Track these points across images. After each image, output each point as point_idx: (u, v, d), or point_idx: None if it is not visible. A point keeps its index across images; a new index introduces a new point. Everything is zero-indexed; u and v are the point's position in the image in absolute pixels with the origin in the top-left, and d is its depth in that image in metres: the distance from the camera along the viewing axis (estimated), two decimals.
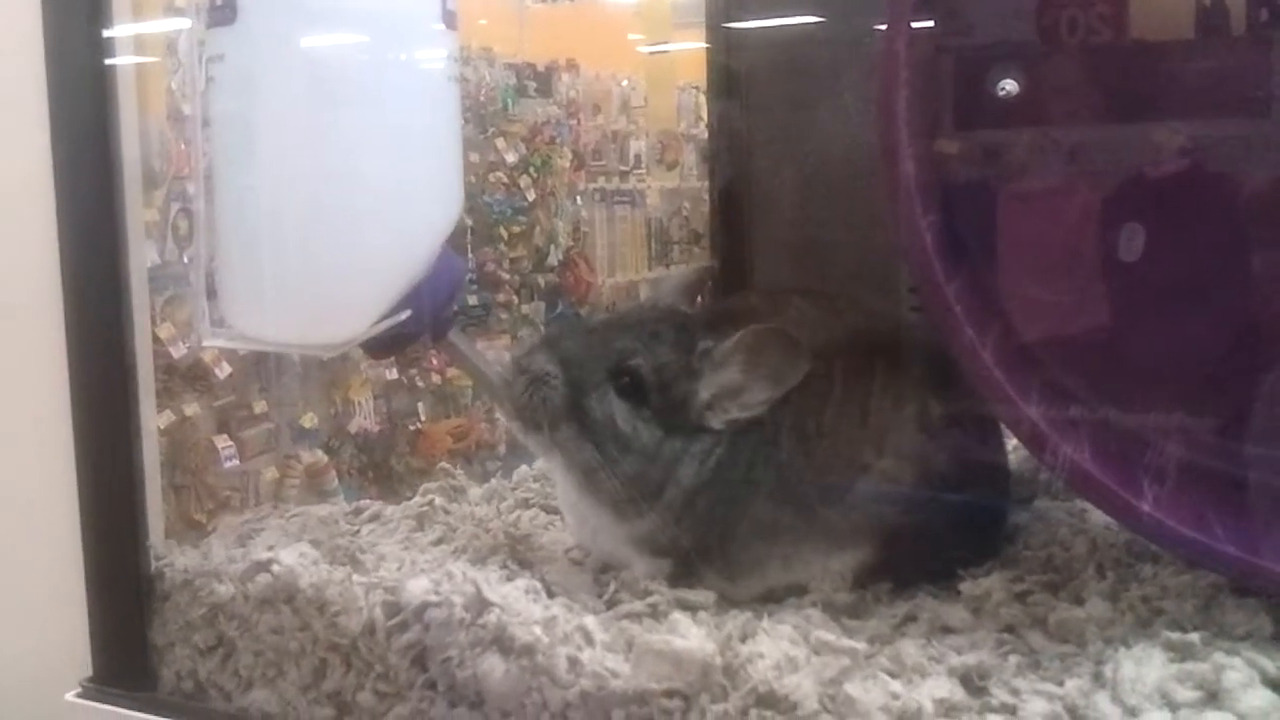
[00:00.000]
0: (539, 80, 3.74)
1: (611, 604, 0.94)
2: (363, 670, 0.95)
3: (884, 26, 0.93)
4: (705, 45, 1.39)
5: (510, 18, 3.57)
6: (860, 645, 0.84)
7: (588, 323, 1.10)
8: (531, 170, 3.68)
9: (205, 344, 1.74)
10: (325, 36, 1.11)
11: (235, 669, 1.04)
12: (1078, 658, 0.83)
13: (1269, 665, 0.78)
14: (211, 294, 1.20)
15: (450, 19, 1.16)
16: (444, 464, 1.33)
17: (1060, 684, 0.79)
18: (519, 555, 1.08)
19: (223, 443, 2.74)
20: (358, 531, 1.19)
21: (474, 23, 3.10)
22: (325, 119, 1.11)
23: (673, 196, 4.18)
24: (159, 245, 2.52)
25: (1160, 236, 0.92)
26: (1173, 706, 0.75)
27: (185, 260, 2.48)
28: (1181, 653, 0.80)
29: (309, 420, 3.01)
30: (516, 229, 3.64)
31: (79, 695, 1.08)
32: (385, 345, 1.22)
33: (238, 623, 1.03)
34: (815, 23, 1.27)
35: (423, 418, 3.37)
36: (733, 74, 1.37)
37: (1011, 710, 0.77)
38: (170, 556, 1.10)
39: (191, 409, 2.67)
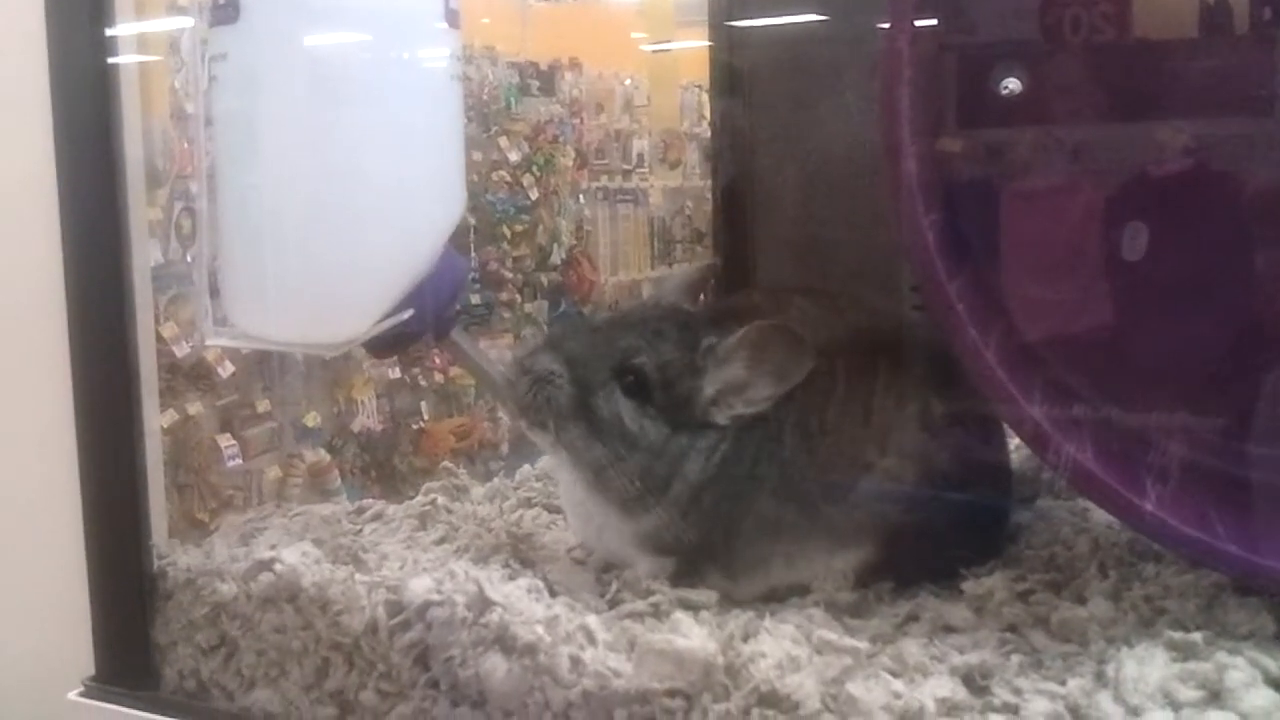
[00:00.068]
0: (542, 79, 3.74)
1: (614, 603, 0.94)
2: (365, 669, 0.95)
3: (887, 25, 0.93)
4: (708, 44, 1.39)
5: (513, 16, 3.57)
6: (862, 644, 0.84)
7: (591, 321, 1.10)
8: (534, 169, 3.68)
9: (208, 343, 1.73)
10: (328, 35, 1.11)
11: (238, 668, 1.04)
12: (1080, 657, 0.83)
13: (1271, 665, 0.77)
14: (214, 293, 1.20)
15: (453, 17, 1.16)
16: (447, 463, 1.33)
17: (1062, 683, 0.79)
18: (521, 554, 1.08)
19: (226, 442, 2.74)
20: (360, 530, 1.19)
21: (477, 21, 3.10)
22: (328, 118, 1.11)
23: (675, 195, 4.18)
24: (162, 244, 2.53)
25: (1163, 236, 0.92)
26: (1175, 706, 0.75)
27: (188, 259, 2.49)
28: (1184, 652, 0.80)
29: (312, 419, 3.02)
30: (519, 228, 3.64)
31: (81, 694, 1.08)
32: (388, 344, 1.22)
33: (240, 622, 1.03)
34: (818, 21, 1.27)
35: (425, 417, 3.38)
36: (735, 73, 1.37)
37: (1014, 710, 0.77)
38: (173, 555, 1.10)
39: (195, 408, 2.67)
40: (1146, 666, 0.78)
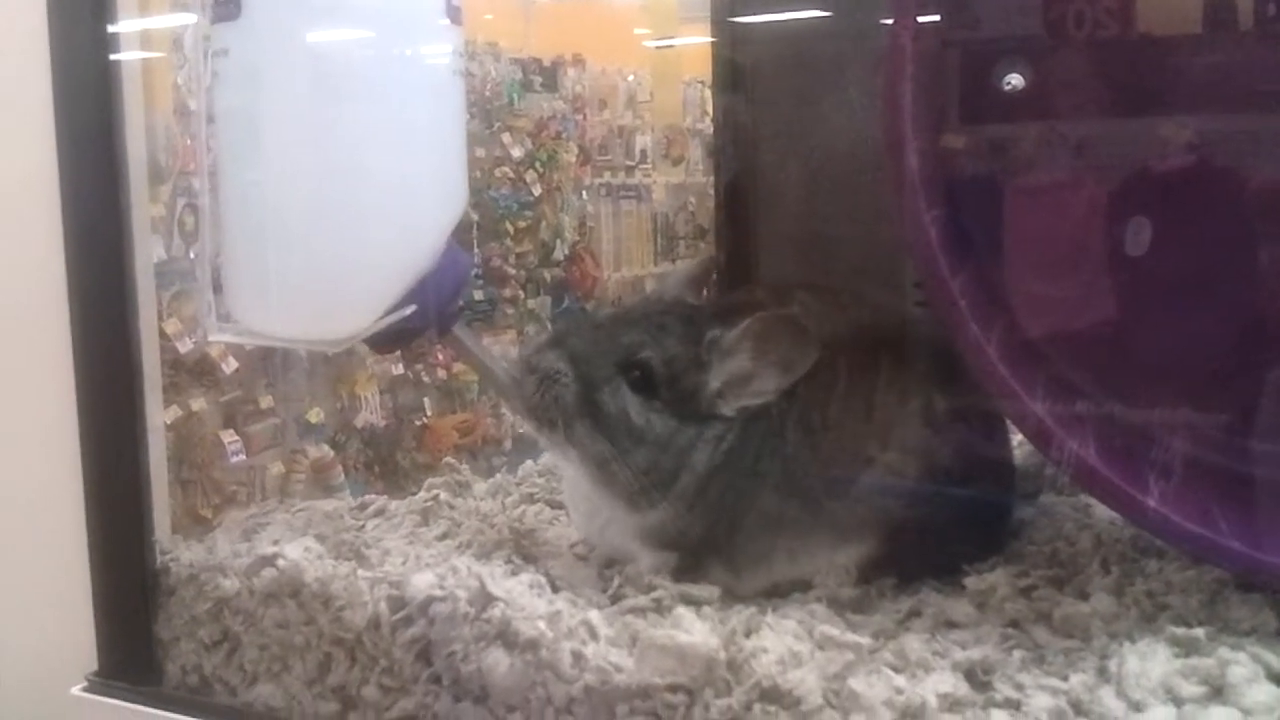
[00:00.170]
0: (545, 75, 3.74)
1: (616, 599, 0.94)
2: (367, 665, 0.95)
3: (890, 21, 0.93)
4: (711, 40, 1.39)
5: (515, 12, 3.57)
6: (864, 640, 0.84)
7: (595, 318, 1.10)
8: (537, 165, 3.68)
9: (211, 339, 1.74)
10: (329, 31, 1.11)
11: (240, 663, 1.04)
12: (1082, 653, 0.83)
13: (1274, 660, 0.77)
14: (217, 289, 1.20)
15: (455, 14, 1.16)
16: (449, 459, 1.33)
17: (1065, 679, 0.79)
18: (524, 550, 1.08)
19: (229, 438, 2.74)
20: (363, 526, 1.19)
21: (479, 17, 3.10)
22: (330, 114, 1.11)
23: (678, 191, 4.18)
24: (165, 241, 2.53)
25: (1166, 232, 0.91)
26: (1177, 701, 0.75)
27: (191, 255, 2.49)
28: (1186, 648, 0.80)
29: (315, 415, 3.02)
30: (522, 224, 3.64)
31: (84, 689, 1.09)
32: (391, 340, 1.22)
33: (243, 617, 1.03)
34: (821, 17, 1.27)
35: (428, 413, 3.38)
36: (738, 69, 1.37)
37: (1016, 705, 0.77)
38: (176, 551, 1.10)
39: (198, 404, 2.67)
40: (1149, 662, 0.78)
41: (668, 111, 4.08)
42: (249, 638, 1.03)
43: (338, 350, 1.33)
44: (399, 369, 3.28)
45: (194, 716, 1.04)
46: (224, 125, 1.15)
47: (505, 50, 3.57)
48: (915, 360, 1.01)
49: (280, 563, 1.01)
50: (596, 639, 0.86)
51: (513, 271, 3.61)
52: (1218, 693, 0.75)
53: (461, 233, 1.24)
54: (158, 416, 1.26)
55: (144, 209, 1.22)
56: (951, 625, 0.89)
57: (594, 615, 0.88)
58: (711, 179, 1.47)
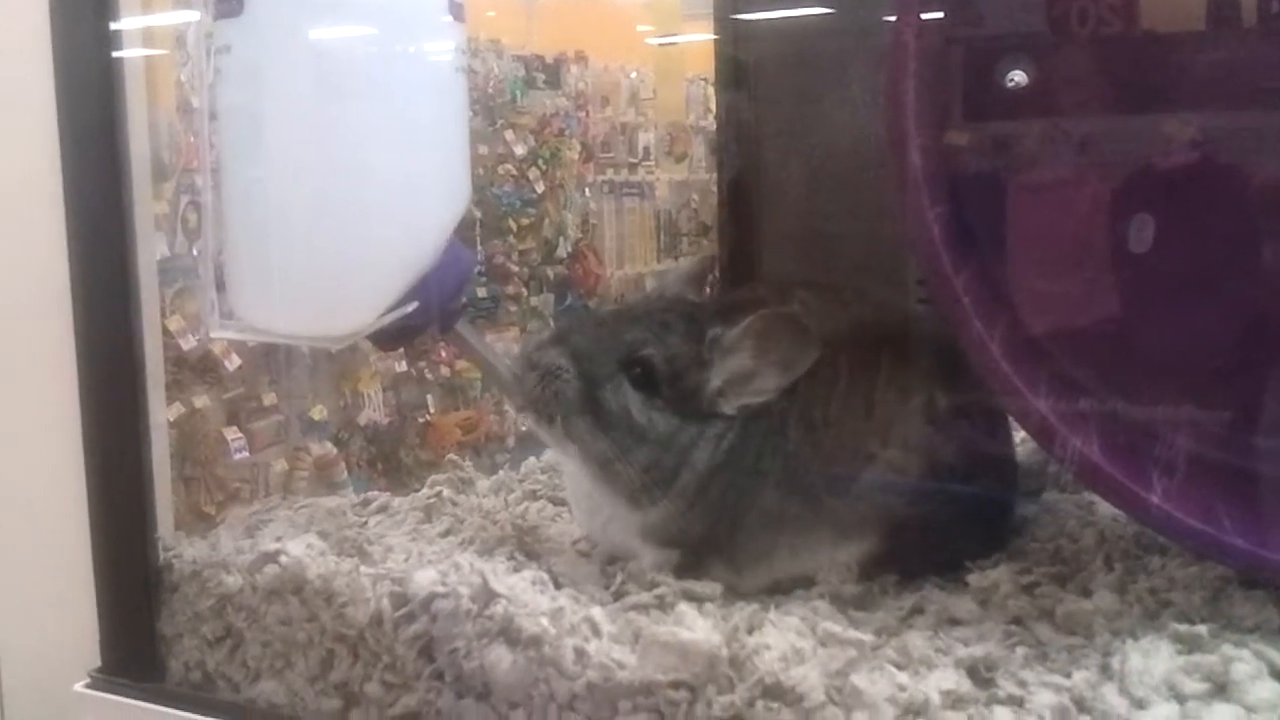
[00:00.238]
0: (547, 72, 3.74)
1: (618, 595, 0.94)
2: (370, 661, 0.95)
3: (893, 18, 0.93)
4: (714, 37, 1.39)
5: (518, 9, 3.57)
6: (867, 637, 0.84)
7: (597, 315, 1.10)
8: (540, 162, 3.68)
9: (214, 336, 1.74)
10: (332, 28, 1.11)
11: (243, 660, 1.04)
12: (1085, 650, 0.83)
13: (1277, 657, 0.77)
14: (220, 286, 1.20)
15: (458, 11, 1.16)
16: (452, 456, 1.33)
17: (1067, 676, 0.78)
18: (526, 547, 1.08)
19: (232, 435, 2.75)
20: (365, 523, 1.19)
21: (482, 14, 3.10)
22: (332, 111, 1.11)
23: (681, 189, 4.18)
24: (169, 238, 2.53)
25: (1170, 228, 0.91)
26: (1180, 698, 0.75)
27: (194, 253, 2.49)
28: (1189, 645, 0.80)
29: (318, 412, 3.02)
30: (525, 221, 3.64)
31: (88, 686, 1.09)
32: (393, 337, 1.22)
33: (245, 614, 1.04)
34: (823, 14, 1.27)
35: (431, 410, 3.38)
36: (741, 66, 1.37)
37: (1018, 702, 0.77)
38: (179, 548, 1.10)
39: (201, 401, 2.68)
40: (1152, 659, 0.78)
41: (670, 109, 4.08)
42: (252, 634, 1.03)
43: (341, 347, 1.32)
44: (402, 366, 3.29)
45: (197, 713, 1.04)
46: (226, 122, 1.15)
47: (508, 47, 3.58)
48: (917, 357, 1.01)
49: (283, 559, 1.01)
50: (599, 636, 0.86)
51: (515, 269, 3.62)
52: (1221, 690, 0.75)
53: (464, 230, 1.24)
54: (161, 413, 1.27)
55: (147, 206, 1.22)
56: (954, 622, 0.89)
57: (596, 612, 0.88)
58: (714, 176, 1.47)
